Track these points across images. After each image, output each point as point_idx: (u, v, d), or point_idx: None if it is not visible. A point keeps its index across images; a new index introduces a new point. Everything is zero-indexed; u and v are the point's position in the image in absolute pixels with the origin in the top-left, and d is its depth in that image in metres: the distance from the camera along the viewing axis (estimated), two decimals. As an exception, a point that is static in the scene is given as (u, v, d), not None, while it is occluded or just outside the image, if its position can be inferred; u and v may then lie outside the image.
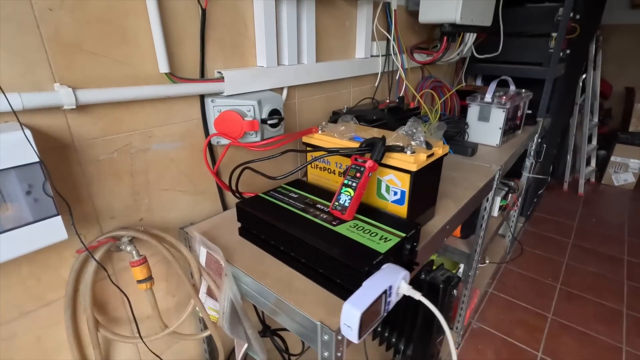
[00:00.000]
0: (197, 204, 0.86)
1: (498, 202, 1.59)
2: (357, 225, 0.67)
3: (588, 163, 3.17)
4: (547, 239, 2.40)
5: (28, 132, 0.49)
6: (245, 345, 0.75)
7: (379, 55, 1.25)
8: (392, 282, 0.53)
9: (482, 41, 1.95)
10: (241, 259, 0.72)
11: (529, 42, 1.89)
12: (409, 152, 0.70)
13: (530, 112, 1.93)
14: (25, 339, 0.64)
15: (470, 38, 1.46)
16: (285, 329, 1.08)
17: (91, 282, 0.67)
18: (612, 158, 3.10)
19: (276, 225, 0.68)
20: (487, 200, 1.26)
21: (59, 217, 0.55)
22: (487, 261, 1.98)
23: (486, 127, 1.43)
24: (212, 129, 0.80)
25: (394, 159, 0.71)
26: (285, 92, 0.96)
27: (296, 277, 0.66)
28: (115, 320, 0.76)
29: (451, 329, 1.53)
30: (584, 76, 2.85)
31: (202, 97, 0.79)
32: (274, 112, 0.84)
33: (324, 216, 0.70)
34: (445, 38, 1.31)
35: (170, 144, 0.76)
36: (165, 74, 0.69)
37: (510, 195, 1.77)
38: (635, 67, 3.34)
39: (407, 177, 0.71)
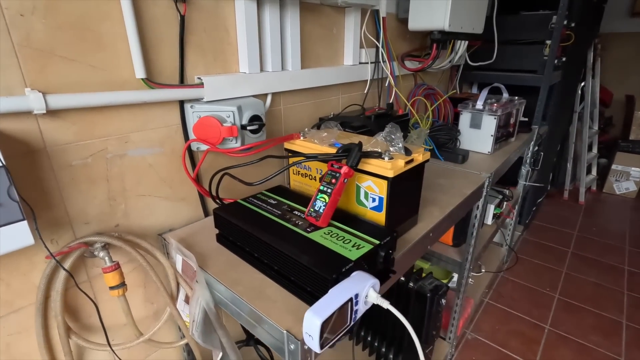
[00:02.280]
0: (177, 210, 0.85)
1: (492, 210, 1.57)
2: (332, 232, 0.66)
3: (589, 171, 3.13)
4: (546, 247, 2.36)
5: (-9, 136, 0.49)
6: (220, 354, 0.74)
7: (367, 63, 1.24)
8: (359, 290, 0.52)
9: (476, 49, 1.96)
10: (216, 265, 0.71)
11: (523, 50, 1.89)
12: (386, 158, 0.70)
13: (526, 119, 1.92)
14: (-6, 345, 0.63)
15: (462, 46, 1.45)
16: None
17: (62, 288, 0.66)
18: (613, 166, 3.06)
19: (250, 232, 0.67)
20: (478, 208, 1.25)
21: (25, 222, 0.54)
22: (483, 270, 1.95)
23: (478, 135, 1.42)
24: (192, 135, 0.80)
25: (371, 165, 0.70)
26: (269, 98, 0.95)
27: (269, 285, 0.65)
28: (89, 328, 0.75)
29: (443, 338, 1.50)
30: (582, 84, 2.84)
31: (181, 103, 0.79)
32: (254, 118, 0.83)
33: (300, 223, 0.69)
34: (434, 45, 1.31)
35: (148, 150, 0.76)
36: (142, 79, 0.69)
37: (505, 203, 1.75)
38: (636, 75, 3.32)
39: (384, 183, 0.70)
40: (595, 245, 2.39)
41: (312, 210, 0.68)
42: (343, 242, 0.63)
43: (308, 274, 0.57)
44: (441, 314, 1.15)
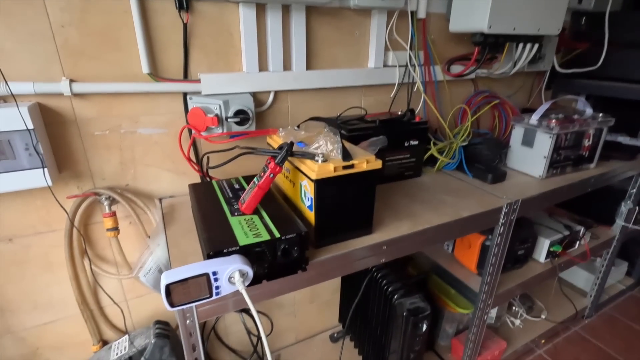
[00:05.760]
0: (179, 182, 1.04)
1: (545, 245, 1.32)
2: (251, 220, 0.73)
3: None
4: (661, 315, 1.81)
5: (24, 110, 0.73)
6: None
7: (395, 66, 1.21)
8: (220, 269, 0.59)
9: (581, 52, 1.62)
10: (177, 229, 0.86)
11: (647, 55, 1.47)
12: (319, 161, 0.72)
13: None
14: (37, 250, 0.93)
15: (528, 49, 1.25)
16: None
17: (79, 222, 0.92)
18: None
19: (195, 206, 0.79)
20: (499, 236, 1.08)
21: (42, 170, 0.79)
22: (543, 316, 1.64)
23: (529, 154, 1.22)
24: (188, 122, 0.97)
25: (304, 165, 0.74)
26: (271, 95, 1.05)
27: (197, 254, 0.76)
28: (102, 257, 1.01)
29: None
30: None
31: (185, 95, 0.96)
32: (239, 112, 0.95)
33: (236, 207, 0.78)
34: (477, 49, 1.17)
35: (155, 130, 0.96)
36: (148, 74, 0.88)
37: (578, 242, 1.43)
38: None
39: (312, 185, 0.73)
40: None
41: (244, 197, 0.76)
42: (250, 229, 0.69)
43: (204, 248, 0.66)
44: (419, 339, 1.06)
